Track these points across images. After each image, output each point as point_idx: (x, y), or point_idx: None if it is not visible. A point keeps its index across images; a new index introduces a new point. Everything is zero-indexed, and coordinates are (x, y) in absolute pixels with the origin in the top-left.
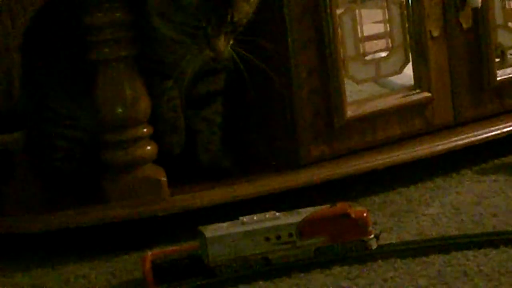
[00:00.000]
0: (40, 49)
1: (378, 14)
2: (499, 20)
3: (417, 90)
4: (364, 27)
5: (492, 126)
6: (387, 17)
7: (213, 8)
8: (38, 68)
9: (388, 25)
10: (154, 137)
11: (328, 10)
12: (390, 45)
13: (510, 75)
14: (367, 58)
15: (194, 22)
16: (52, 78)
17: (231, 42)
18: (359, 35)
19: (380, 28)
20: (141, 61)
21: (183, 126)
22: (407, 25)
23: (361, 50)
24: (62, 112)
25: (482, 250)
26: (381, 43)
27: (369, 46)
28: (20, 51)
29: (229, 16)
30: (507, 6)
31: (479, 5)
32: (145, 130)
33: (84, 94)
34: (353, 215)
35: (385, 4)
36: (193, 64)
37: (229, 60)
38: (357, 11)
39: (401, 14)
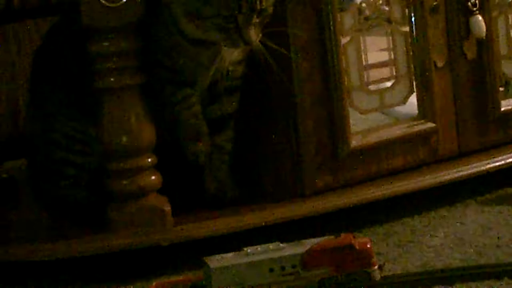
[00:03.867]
0: (49, 73)
1: (383, 41)
2: (503, 50)
3: (422, 121)
4: (369, 55)
5: (497, 156)
6: (391, 45)
7: None
8: (47, 91)
9: (392, 53)
10: (158, 166)
11: (333, 39)
12: (395, 74)
13: None
14: (372, 88)
15: (225, 12)
16: (62, 100)
17: (260, 35)
18: (364, 63)
19: (385, 56)
20: (160, 71)
21: (207, 132)
22: (411, 54)
23: (366, 80)
24: (71, 136)
25: (486, 282)
26: (386, 71)
27: (373, 74)
28: (30, 75)
29: (258, 3)
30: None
31: (484, 35)
32: (149, 159)
33: (93, 119)
34: (356, 246)
35: (390, 32)
36: (215, 69)
37: (242, 79)
38: (361, 39)
39: (406, 43)
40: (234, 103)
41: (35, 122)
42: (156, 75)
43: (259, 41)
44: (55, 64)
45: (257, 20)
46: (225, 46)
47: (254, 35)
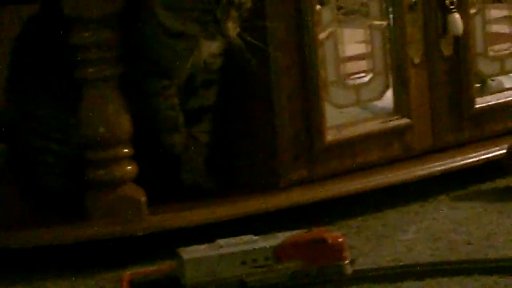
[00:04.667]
0: (28, 61)
1: (360, 33)
2: (480, 48)
3: (397, 116)
4: (346, 47)
5: (471, 153)
6: (369, 40)
7: None
8: (27, 75)
9: (370, 47)
10: (134, 157)
11: (311, 34)
12: (372, 68)
13: (490, 103)
14: (349, 82)
15: (203, 6)
16: (42, 86)
17: (238, 29)
18: (341, 56)
19: (362, 49)
20: (139, 62)
21: (183, 124)
22: (388, 50)
23: (343, 74)
24: (51, 124)
25: (455, 278)
26: (363, 64)
27: (350, 66)
28: (9, 62)
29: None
30: (487, 30)
31: (461, 33)
32: (126, 150)
33: (72, 108)
34: (329, 240)
35: (368, 26)
36: (192, 61)
37: (219, 72)
38: (339, 32)
39: (383, 39)
40: (211, 96)
41: (14, 109)
42: (135, 65)
43: (237, 35)
44: (34, 53)
45: (236, 14)
46: (203, 38)
47: (232, 28)
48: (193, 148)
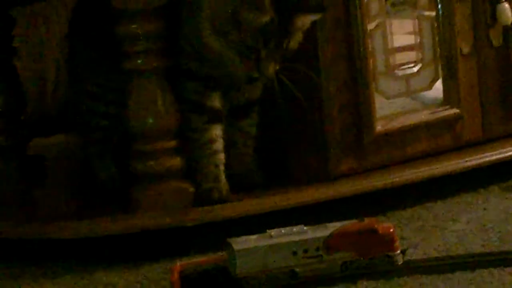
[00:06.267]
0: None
1: (409, 24)
2: None
3: (447, 107)
4: (395, 38)
5: None
6: (417, 30)
7: (274, 33)
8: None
9: (418, 38)
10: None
11: (360, 25)
12: (421, 58)
13: None
14: (398, 73)
15: (252, 43)
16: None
17: (277, 67)
18: (390, 47)
19: (411, 39)
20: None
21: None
22: (437, 40)
23: (392, 64)
24: (104, 88)
25: (507, 269)
26: (412, 54)
27: (399, 57)
28: (66, 41)
29: (285, 43)
30: None
31: (510, 23)
32: (174, 142)
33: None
34: (380, 231)
35: (416, 17)
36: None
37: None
38: (388, 23)
39: (432, 29)
40: (257, 90)
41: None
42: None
43: (276, 74)
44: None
45: (279, 55)
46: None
47: (272, 68)
48: (242, 141)
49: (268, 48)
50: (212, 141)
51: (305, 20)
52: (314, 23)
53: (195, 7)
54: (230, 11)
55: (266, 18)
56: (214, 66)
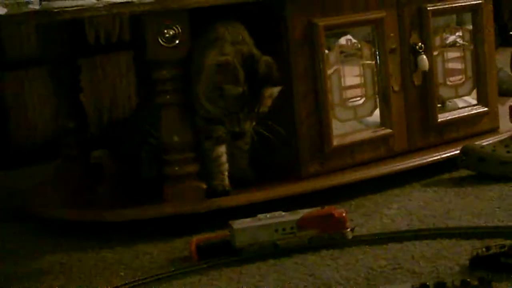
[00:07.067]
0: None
1: (356, 70)
2: (440, 79)
3: (383, 127)
4: (347, 79)
5: (435, 153)
6: (362, 74)
7: (247, 102)
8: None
9: (363, 79)
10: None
11: (322, 70)
12: (364, 94)
13: (448, 118)
14: (348, 104)
15: (231, 108)
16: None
17: (254, 123)
18: (343, 85)
19: (358, 80)
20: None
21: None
22: (376, 81)
23: (344, 98)
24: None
25: (424, 241)
26: (358, 91)
27: (350, 93)
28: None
29: (256, 109)
30: (446, 66)
31: (427, 69)
32: (192, 154)
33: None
34: (336, 215)
35: (361, 65)
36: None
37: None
38: (341, 68)
39: (372, 73)
40: (253, 123)
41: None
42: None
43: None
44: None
45: (254, 115)
46: (226, 125)
47: (249, 125)
48: (238, 153)
49: (244, 112)
50: (218, 157)
51: (271, 91)
52: (289, 66)
53: (196, 77)
54: (216, 84)
55: (240, 90)
56: (210, 119)
